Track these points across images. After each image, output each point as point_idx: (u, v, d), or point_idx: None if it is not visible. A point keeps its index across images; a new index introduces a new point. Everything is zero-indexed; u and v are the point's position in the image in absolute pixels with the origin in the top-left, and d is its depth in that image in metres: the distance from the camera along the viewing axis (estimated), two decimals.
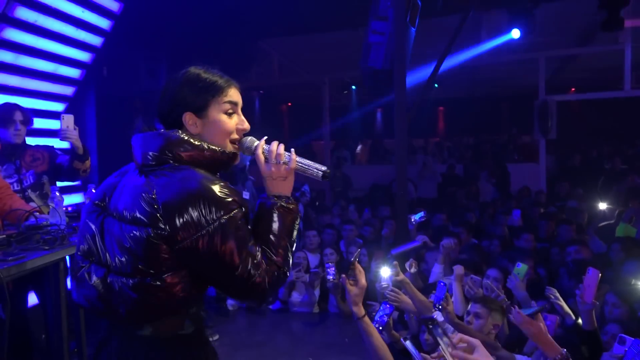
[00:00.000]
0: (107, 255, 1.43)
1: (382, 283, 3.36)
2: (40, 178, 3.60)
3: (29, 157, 3.59)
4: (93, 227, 1.49)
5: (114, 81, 6.15)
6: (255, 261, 1.38)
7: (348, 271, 2.15)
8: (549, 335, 2.33)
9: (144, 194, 1.39)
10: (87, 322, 3.06)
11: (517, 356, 2.75)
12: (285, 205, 1.50)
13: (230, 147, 1.55)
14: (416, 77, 7.96)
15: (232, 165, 1.56)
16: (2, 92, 4.47)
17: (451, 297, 3.21)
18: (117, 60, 6.06)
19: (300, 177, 1.59)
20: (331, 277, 3.53)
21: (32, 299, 3.41)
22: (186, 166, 1.43)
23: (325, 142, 12.16)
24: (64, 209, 2.91)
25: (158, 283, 1.36)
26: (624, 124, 13.34)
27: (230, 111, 1.53)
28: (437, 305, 3.16)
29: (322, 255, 5.44)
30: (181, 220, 1.33)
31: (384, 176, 11.37)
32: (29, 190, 3.54)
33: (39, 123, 4.47)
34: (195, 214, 1.34)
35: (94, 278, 1.44)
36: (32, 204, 3.27)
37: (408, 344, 2.41)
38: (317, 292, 5.30)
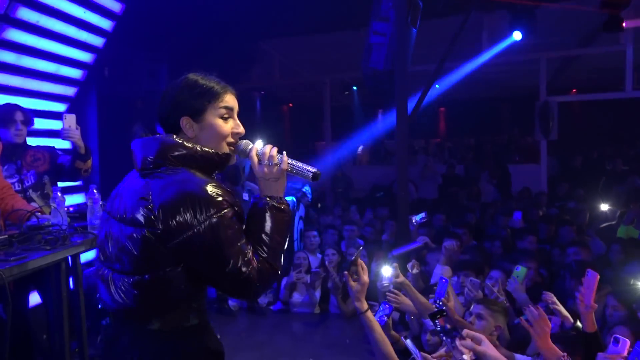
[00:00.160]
0: (113, 256, 1.53)
1: (383, 282, 3.35)
2: (41, 178, 3.61)
3: (30, 157, 3.59)
4: (103, 232, 1.60)
5: (115, 82, 6.17)
6: (246, 258, 1.45)
7: (350, 268, 2.21)
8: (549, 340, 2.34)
9: (141, 197, 1.48)
10: (89, 322, 3.06)
11: (517, 356, 2.74)
12: (277, 205, 1.57)
13: (225, 149, 1.62)
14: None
15: (226, 166, 1.63)
16: (3, 92, 4.47)
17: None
18: (119, 60, 6.08)
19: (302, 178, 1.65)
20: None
21: (34, 299, 3.42)
22: (181, 168, 1.51)
23: (327, 142, 12.16)
24: (66, 209, 2.91)
25: (156, 279, 1.45)
26: (625, 125, 13.34)
27: (226, 116, 1.61)
28: (437, 302, 3.16)
29: (324, 255, 5.44)
30: (174, 219, 1.41)
31: (385, 177, 11.38)
32: (30, 191, 3.54)
33: (40, 123, 4.48)
34: (187, 214, 1.41)
35: (105, 278, 1.54)
36: (33, 204, 3.28)
37: (408, 342, 2.42)
38: (318, 292, 5.30)
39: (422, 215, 5.48)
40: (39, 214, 2.77)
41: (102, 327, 4.22)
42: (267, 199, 1.58)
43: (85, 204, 3.05)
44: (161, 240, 1.43)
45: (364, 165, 14.09)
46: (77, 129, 3.48)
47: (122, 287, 1.49)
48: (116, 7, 5.29)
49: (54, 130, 5.05)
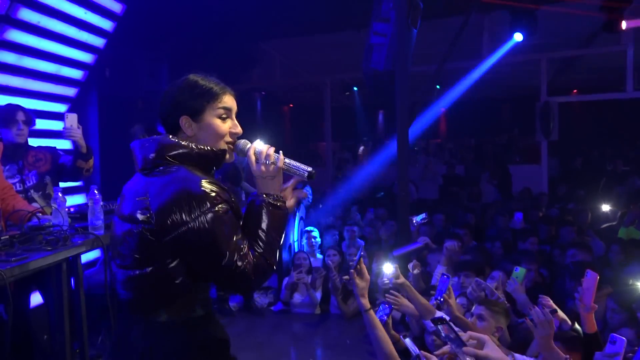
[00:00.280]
0: (116, 251, 1.61)
1: (384, 279, 3.35)
2: (43, 178, 3.62)
3: (32, 158, 3.61)
4: (112, 231, 1.68)
5: (116, 82, 6.17)
6: (241, 253, 1.50)
7: (356, 267, 2.26)
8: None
9: (139, 196, 1.55)
10: (89, 322, 3.06)
11: (517, 355, 2.74)
12: (273, 202, 1.62)
13: (222, 147, 1.68)
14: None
15: (222, 161, 1.68)
16: (4, 93, 4.48)
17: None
18: (119, 61, 6.08)
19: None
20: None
21: (36, 299, 3.42)
22: (178, 167, 1.57)
23: (327, 143, 12.15)
24: (66, 209, 2.91)
25: (154, 273, 1.52)
26: (626, 125, 13.32)
27: (224, 116, 1.67)
28: (439, 298, 3.16)
29: (325, 256, 5.44)
30: (168, 216, 1.47)
31: (385, 177, 11.37)
32: (32, 191, 3.55)
33: (41, 124, 4.48)
34: (180, 210, 1.47)
35: (113, 273, 1.64)
36: (35, 204, 3.28)
37: (408, 341, 2.42)
38: (319, 293, 5.30)
39: (423, 215, 5.49)
40: (40, 214, 2.78)
41: (103, 327, 4.23)
42: (264, 196, 1.63)
43: (86, 204, 3.05)
44: (156, 235, 1.49)
45: (365, 166, 14.07)
46: (78, 128, 3.49)
47: (124, 281, 1.57)
48: (117, 7, 5.30)
49: (55, 131, 5.06)
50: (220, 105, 1.66)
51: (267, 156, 1.63)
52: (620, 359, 2.20)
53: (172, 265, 1.52)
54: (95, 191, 2.84)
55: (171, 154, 1.58)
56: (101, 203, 2.91)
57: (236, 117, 1.73)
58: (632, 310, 3.18)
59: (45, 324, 3.13)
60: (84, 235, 2.73)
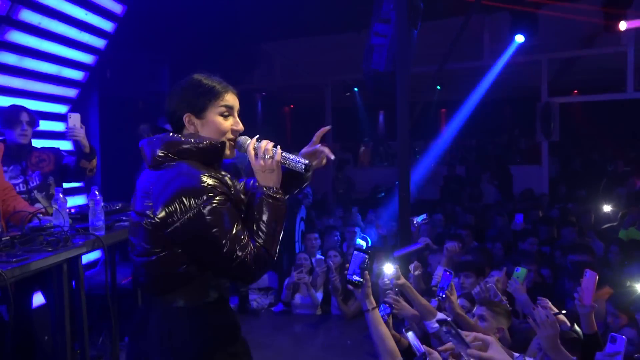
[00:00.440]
0: (131, 242, 1.73)
1: (385, 280, 3.35)
2: (46, 179, 3.63)
3: (35, 158, 3.62)
4: (130, 224, 1.78)
5: (117, 83, 6.18)
6: (242, 243, 1.58)
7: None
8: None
9: (145, 190, 1.66)
10: (90, 323, 3.07)
11: (515, 355, 2.74)
12: (272, 194, 1.69)
13: (222, 140, 1.75)
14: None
15: (222, 154, 1.75)
16: (5, 94, 4.49)
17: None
18: (120, 62, 6.09)
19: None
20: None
21: (38, 299, 3.43)
22: (180, 162, 1.66)
23: (328, 143, 12.12)
24: (67, 210, 2.91)
25: (160, 260, 1.63)
26: (627, 126, 13.31)
27: (226, 113, 1.75)
28: (441, 294, 3.16)
29: (326, 257, 5.44)
30: (167, 208, 1.57)
31: (386, 178, 11.37)
32: (35, 192, 3.56)
33: (42, 125, 4.48)
34: (180, 203, 1.56)
35: (132, 261, 1.75)
36: (38, 205, 3.29)
37: (410, 334, 2.41)
38: (320, 294, 5.30)
39: (423, 216, 5.48)
40: (41, 215, 2.78)
41: (103, 328, 4.24)
42: (264, 189, 1.69)
43: (86, 205, 3.05)
44: (159, 228, 1.59)
45: (366, 167, 14.10)
46: (81, 128, 3.51)
47: (138, 267, 1.69)
48: (117, 8, 5.30)
49: (55, 132, 5.07)
50: (222, 103, 1.73)
51: (266, 150, 1.70)
52: (621, 358, 2.20)
53: (176, 254, 1.61)
54: (96, 192, 2.84)
55: (174, 150, 1.67)
56: (102, 204, 2.91)
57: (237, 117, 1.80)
58: (631, 312, 3.17)
59: (47, 325, 3.14)
60: (85, 236, 2.73)
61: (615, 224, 6.40)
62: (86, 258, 4.31)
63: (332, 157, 1.92)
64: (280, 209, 1.69)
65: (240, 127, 1.78)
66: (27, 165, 3.57)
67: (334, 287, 4.97)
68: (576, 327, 2.91)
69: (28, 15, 4.41)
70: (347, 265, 2.30)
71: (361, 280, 2.28)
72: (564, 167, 12.48)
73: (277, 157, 1.71)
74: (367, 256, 2.28)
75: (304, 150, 1.92)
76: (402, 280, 3.25)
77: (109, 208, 3.33)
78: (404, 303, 3.28)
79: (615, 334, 2.24)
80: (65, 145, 4.88)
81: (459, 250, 4.60)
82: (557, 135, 9.86)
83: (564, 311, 3.01)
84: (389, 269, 3.30)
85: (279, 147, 1.74)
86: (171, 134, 1.72)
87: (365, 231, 6.77)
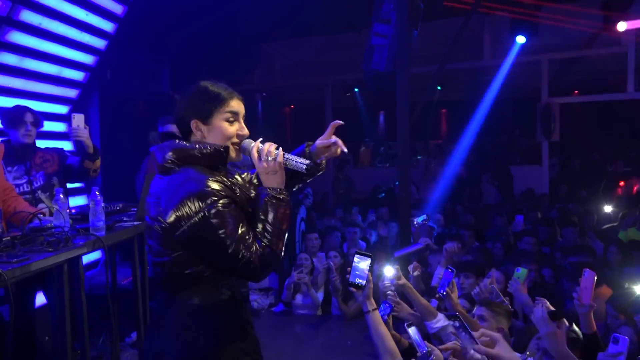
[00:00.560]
0: (147, 242, 1.84)
1: (385, 282, 3.35)
2: (50, 179, 3.64)
3: (39, 159, 3.63)
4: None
5: (117, 84, 6.17)
6: (247, 243, 1.65)
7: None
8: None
9: (155, 196, 1.75)
10: (91, 323, 3.07)
11: (518, 355, 2.74)
12: (276, 195, 1.75)
13: (226, 145, 1.82)
14: None
15: (227, 159, 1.82)
16: (6, 94, 4.50)
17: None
18: (121, 62, 6.09)
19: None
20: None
21: (40, 299, 3.43)
22: (186, 167, 1.73)
23: None
24: (68, 211, 2.92)
25: (172, 261, 1.71)
26: (627, 126, 13.30)
27: (231, 119, 1.82)
28: (441, 292, 3.16)
29: (327, 257, 5.44)
30: (174, 214, 1.65)
31: (386, 178, 11.37)
32: (39, 192, 3.57)
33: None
34: (186, 207, 1.64)
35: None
36: (42, 205, 3.29)
37: (412, 329, 2.41)
38: (321, 294, 5.30)
39: (424, 217, 5.48)
40: (41, 215, 2.78)
41: (104, 328, 4.24)
42: (268, 190, 1.76)
43: (87, 205, 3.06)
44: (169, 231, 1.67)
45: (366, 167, 14.09)
46: (85, 128, 3.51)
47: (153, 265, 1.79)
48: (118, 9, 5.31)
49: (56, 132, 5.07)
50: (228, 109, 1.80)
51: (268, 152, 1.77)
52: (624, 358, 2.19)
53: (187, 255, 1.69)
54: (97, 192, 2.84)
55: (182, 156, 1.75)
56: (102, 204, 2.92)
57: None
58: (629, 314, 3.17)
59: (48, 325, 3.14)
60: (85, 237, 2.73)
61: (615, 224, 6.40)
62: (87, 258, 4.32)
63: (345, 150, 1.99)
64: (284, 209, 1.75)
65: (246, 132, 1.85)
66: (31, 165, 3.58)
67: (334, 287, 4.97)
68: (575, 328, 2.90)
69: (28, 16, 4.42)
70: (349, 269, 2.30)
71: (364, 282, 2.28)
72: (564, 167, 12.47)
73: (279, 159, 1.76)
74: (369, 259, 2.28)
75: (319, 141, 1.98)
76: (403, 280, 3.25)
77: (109, 208, 3.34)
78: (404, 306, 3.28)
79: (617, 335, 2.23)
80: (65, 146, 4.89)
81: (458, 250, 4.60)
82: (558, 136, 9.87)
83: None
84: (389, 271, 3.30)
85: (280, 149, 1.80)
86: (178, 140, 1.79)
87: (365, 232, 6.77)
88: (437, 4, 6.74)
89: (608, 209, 7.13)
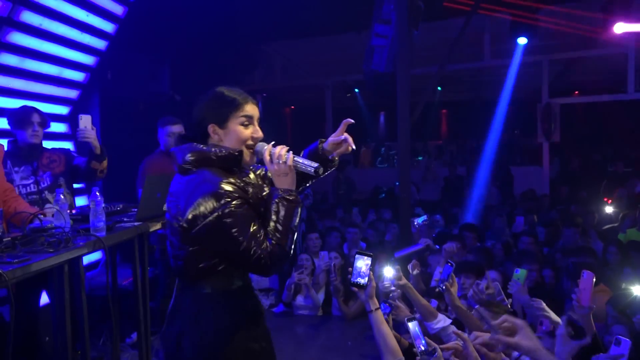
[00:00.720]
0: (169, 238, 1.96)
1: (385, 283, 3.35)
2: (57, 180, 3.66)
3: (46, 159, 3.65)
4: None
5: (118, 84, 6.17)
6: (258, 241, 1.77)
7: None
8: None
9: (174, 196, 1.89)
10: (91, 324, 3.07)
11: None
12: (287, 196, 1.86)
13: (243, 150, 1.93)
14: None
15: (240, 162, 1.92)
16: (7, 95, 4.50)
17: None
18: (121, 63, 6.09)
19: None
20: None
21: (45, 298, 3.43)
22: (202, 169, 1.86)
23: None
24: (69, 211, 2.92)
25: (189, 254, 1.85)
26: (627, 126, 13.31)
27: (246, 123, 1.93)
28: (441, 285, 3.16)
29: (328, 258, 5.43)
30: (192, 213, 1.77)
31: (387, 179, 11.37)
32: (46, 192, 3.59)
33: None
34: (200, 207, 1.76)
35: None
36: (49, 206, 3.29)
37: (412, 323, 2.42)
38: (321, 295, 5.29)
39: (424, 217, 5.49)
40: (42, 216, 2.78)
41: (104, 329, 4.24)
42: (280, 191, 1.86)
43: (87, 206, 3.06)
44: (185, 229, 1.80)
45: (366, 168, 14.10)
46: (92, 129, 3.52)
47: (172, 257, 1.92)
48: (119, 10, 5.31)
49: (56, 133, 5.08)
50: (243, 113, 1.91)
51: (279, 156, 1.87)
52: None
53: (203, 249, 1.82)
54: (97, 193, 2.84)
55: (198, 158, 1.86)
56: (103, 205, 2.92)
57: None
58: (627, 315, 3.16)
59: (49, 325, 3.14)
60: (86, 237, 2.73)
61: (616, 224, 6.40)
62: (87, 259, 4.32)
63: (354, 147, 2.07)
64: (294, 209, 1.86)
65: (260, 134, 1.95)
66: (38, 165, 3.60)
67: (335, 288, 4.97)
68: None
69: (29, 17, 4.42)
70: (350, 269, 2.33)
71: (365, 282, 2.30)
72: (565, 167, 12.47)
73: (289, 162, 1.87)
74: (370, 258, 2.31)
75: (331, 138, 2.08)
76: (404, 280, 3.25)
77: (110, 209, 3.34)
78: (403, 309, 3.28)
79: (620, 337, 2.23)
80: (66, 146, 4.89)
81: (457, 251, 4.60)
82: (558, 136, 9.88)
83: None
84: (389, 272, 3.30)
85: (291, 152, 1.90)
86: (195, 143, 1.90)
87: (365, 232, 6.77)
88: (438, 5, 6.76)
89: (609, 209, 7.13)
